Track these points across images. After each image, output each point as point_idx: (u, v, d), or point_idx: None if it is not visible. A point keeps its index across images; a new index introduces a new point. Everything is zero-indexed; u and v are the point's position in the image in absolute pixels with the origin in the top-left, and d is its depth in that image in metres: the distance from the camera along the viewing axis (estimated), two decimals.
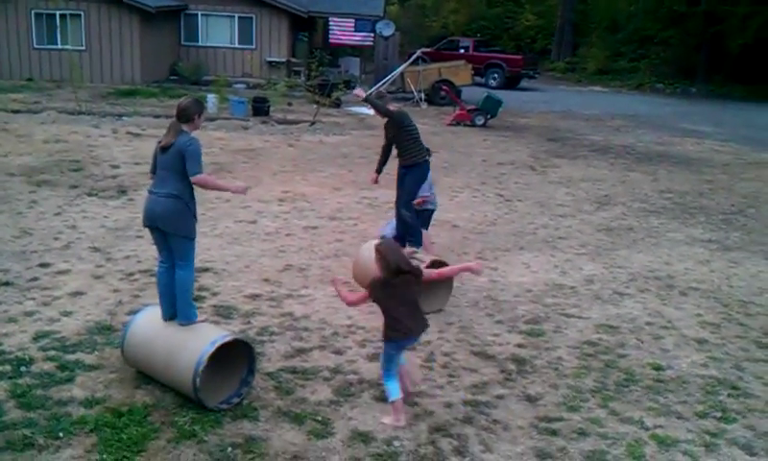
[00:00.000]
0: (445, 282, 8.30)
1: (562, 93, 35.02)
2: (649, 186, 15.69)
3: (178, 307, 6.19)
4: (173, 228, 6.04)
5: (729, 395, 6.68)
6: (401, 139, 8.96)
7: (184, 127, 6.05)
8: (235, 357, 6.11)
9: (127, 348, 6.26)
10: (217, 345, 5.79)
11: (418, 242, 8.79)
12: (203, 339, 5.91)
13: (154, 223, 6.10)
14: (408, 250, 8.30)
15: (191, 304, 6.28)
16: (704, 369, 7.21)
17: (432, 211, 9.72)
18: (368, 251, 8.30)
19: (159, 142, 6.09)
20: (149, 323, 6.31)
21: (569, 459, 5.55)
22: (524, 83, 36.36)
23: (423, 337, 7.41)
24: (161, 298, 6.26)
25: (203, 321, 6.39)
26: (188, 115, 6.06)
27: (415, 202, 9.20)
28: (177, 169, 5.95)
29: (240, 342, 6.15)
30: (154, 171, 6.22)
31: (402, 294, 5.84)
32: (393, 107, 9.05)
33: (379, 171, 9.55)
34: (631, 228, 12.33)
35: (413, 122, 9.04)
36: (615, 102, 32.27)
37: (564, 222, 12.46)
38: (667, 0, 38.44)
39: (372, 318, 7.89)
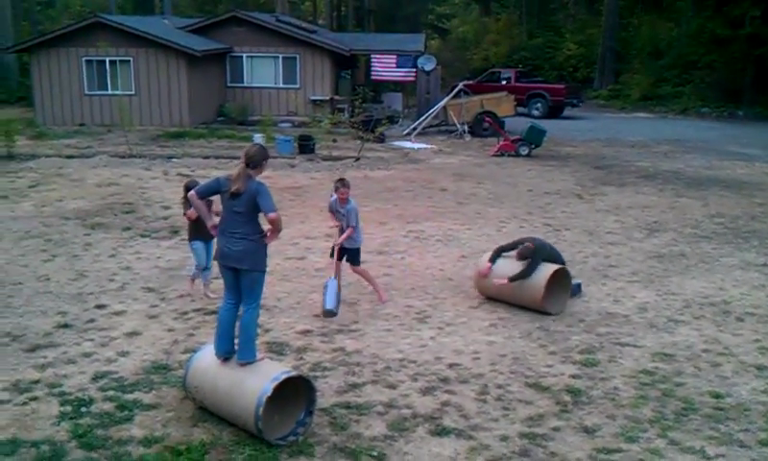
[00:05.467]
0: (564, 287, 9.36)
1: (606, 121, 34.77)
2: (699, 211, 15.46)
3: (240, 346, 6.29)
4: (250, 265, 6.23)
5: None
6: None
7: (252, 172, 6.23)
8: (295, 392, 6.18)
9: (191, 377, 6.38)
10: (279, 381, 5.90)
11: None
12: (265, 374, 6.02)
13: (230, 263, 6.29)
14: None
15: (253, 346, 6.35)
16: (765, 395, 7.06)
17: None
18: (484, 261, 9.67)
19: (229, 188, 6.23)
20: (213, 355, 6.44)
21: None
22: (568, 111, 36.17)
23: (476, 369, 7.43)
24: (220, 336, 6.36)
25: (261, 359, 6.45)
26: (257, 162, 6.29)
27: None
28: (250, 212, 6.19)
29: (303, 381, 6.24)
30: (202, 194, 6.41)
31: None
32: None
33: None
34: (683, 254, 12.15)
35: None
36: (661, 127, 31.93)
37: (614, 250, 12.33)
38: (710, 24, 38.05)
39: (423, 352, 7.91)
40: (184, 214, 9.40)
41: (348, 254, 9.42)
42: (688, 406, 6.79)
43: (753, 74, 37.16)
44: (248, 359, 6.24)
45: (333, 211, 9.36)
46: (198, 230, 9.11)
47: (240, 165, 6.27)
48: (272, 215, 6.17)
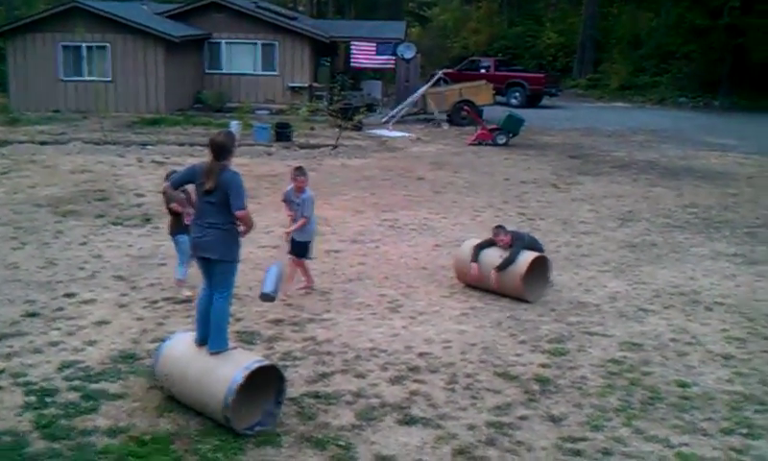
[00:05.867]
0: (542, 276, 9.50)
1: (584, 110, 34.90)
2: (673, 201, 15.57)
3: (211, 336, 6.24)
4: (221, 255, 6.19)
5: (755, 411, 6.61)
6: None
7: (224, 163, 6.14)
8: (264, 382, 6.16)
9: (161, 364, 6.35)
10: (250, 370, 5.89)
11: None
12: (236, 363, 6.02)
13: (202, 253, 6.28)
14: None
15: (224, 335, 6.32)
16: (729, 385, 7.13)
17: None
18: (466, 248, 9.75)
19: (201, 182, 6.16)
20: (185, 342, 6.43)
21: None
22: (546, 100, 36.26)
23: (446, 358, 7.45)
24: (198, 322, 6.37)
25: (233, 348, 6.42)
26: (227, 150, 6.18)
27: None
28: (223, 203, 6.11)
29: (273, 370, 6.23)
30: (177, 185, 6.44)
31: None
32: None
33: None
34: (654, 243, 12.24)
35: None
36: (638, 117, 32.10)
37: (587, 239, 12.40)
38: (689, 14, 38.22)
39: (394, 341, 7.92)
40: (167, 208, 8.99)
41: (297, 246, 9.20)
42: (654, 395, 6.85)
43: (730, 65, 37.43)
44: (219, 349, 6.21)
45: (288, 201, 9.20)
46: (181, 224, 8.72)
47: (210, 160, 6.15)
48: (240, 213, 6.11)
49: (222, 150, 6.13)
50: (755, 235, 12.95)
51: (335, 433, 6.02)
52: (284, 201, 9.33)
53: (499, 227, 9.71)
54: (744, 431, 6.22)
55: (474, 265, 9.49)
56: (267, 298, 8.27)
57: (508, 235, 9.49)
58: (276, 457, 5.66)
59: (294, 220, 9.13)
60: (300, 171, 9.11)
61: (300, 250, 9.23)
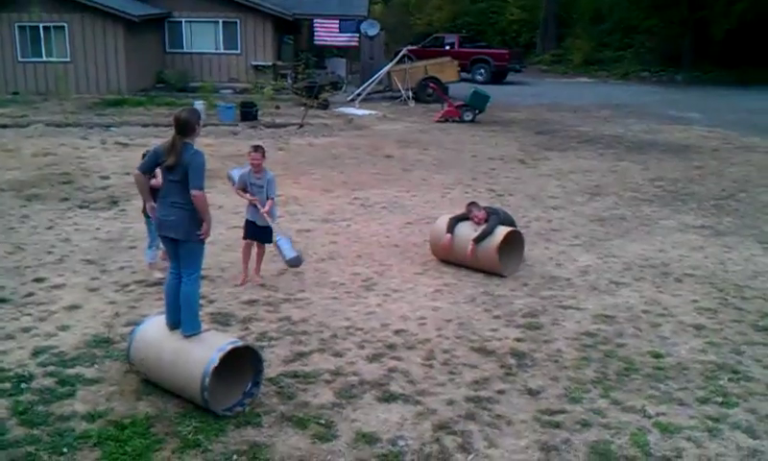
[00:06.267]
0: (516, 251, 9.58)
1: (548, 86, 35.07)
2: (639, 175, 15.73)
3: (183, 319, 6.17)
4: (185, 234, 6.10)
5: (729, 379, 6.72)
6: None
7: (187, 139, 6.05)
8: (241, 362, 6.13)
9: (135, 349, 6.27)
10: (225, 351, 5.84)
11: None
12: (211, 344, 5.97)
13: (167, 232, 6.20)
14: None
15: (196, 316, 6.26)
16: (703, 355, 7.24)
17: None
18: (442, 223, 9.79)
19: (163, 161, 6.08)
20: (157, 326, 6.36)
21: (574, 451, 5.57)
22: (511, 77, 36.36)
23: (423, 335, 7.47)
24: (167, 306, 6.29)
25: (206, 330, 6.37)
26: (190, 127, 6.07)
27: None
28: (185, 181, 6.01)
29: (250, 351, 6.20)
30: (145, 170, 6.31)
31: None
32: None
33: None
34: (623, 217, 12.36)
35: None
36: (602, 92, 32.33)
37: (557, 214, 12.49)
38: None
39: (370, 319, 7.92)
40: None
41: (262, 232, 8.84)
42: (629, 366, 6.94)
43: (691, 39, 37.77)
44: (192, 331, 6.16)
45: (247, 185, 8.67)
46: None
47: (173, 135, 6.06)
48: (195, 192, 5.97)
49: (185, 126, 6.03)
50: (721, 207, 13.14)
51: (315, 412, 6.01)
52: (242, 186, 8.74)
53: (473, 203, 9.75)
54: (719, 400, 6.32)
55: (447, 236, 9.52)
56: (295, 262, 8.63)
57: (482, 211, 9.52)
58: (258, 437, 5.64)
59: (258, 204, 8.68)
60: (257, 149, 8.63)
61: (266, 236, 8.89)
